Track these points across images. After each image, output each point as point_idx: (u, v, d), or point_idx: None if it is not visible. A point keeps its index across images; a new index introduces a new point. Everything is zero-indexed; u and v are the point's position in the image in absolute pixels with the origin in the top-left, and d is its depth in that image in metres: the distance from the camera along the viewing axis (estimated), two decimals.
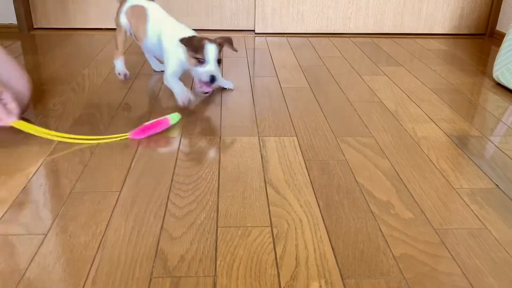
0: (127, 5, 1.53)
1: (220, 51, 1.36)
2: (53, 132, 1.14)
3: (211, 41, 1.34)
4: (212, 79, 1.32)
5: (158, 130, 1.19)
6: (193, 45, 1.32)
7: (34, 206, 0.90)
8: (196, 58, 1.32)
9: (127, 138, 1.17)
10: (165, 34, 1.43)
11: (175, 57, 1.40)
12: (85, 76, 1.63)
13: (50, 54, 1.88)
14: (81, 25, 2.24)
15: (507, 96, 1.52)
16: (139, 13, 1.50)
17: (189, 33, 1.40)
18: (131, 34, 1.55)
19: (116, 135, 1.17)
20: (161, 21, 1.46)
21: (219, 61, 1.35)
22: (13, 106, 1.09)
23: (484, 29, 2.33)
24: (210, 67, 1.32)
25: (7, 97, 1.08)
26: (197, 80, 1.38)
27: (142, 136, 1.17)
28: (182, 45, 1.34)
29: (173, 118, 1.23)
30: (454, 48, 2.11)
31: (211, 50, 1.32)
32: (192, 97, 1.37)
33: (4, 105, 1.08)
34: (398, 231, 0.85)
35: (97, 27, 2.25)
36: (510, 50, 1.57)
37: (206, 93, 1.39)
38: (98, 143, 1.15)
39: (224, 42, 1.39)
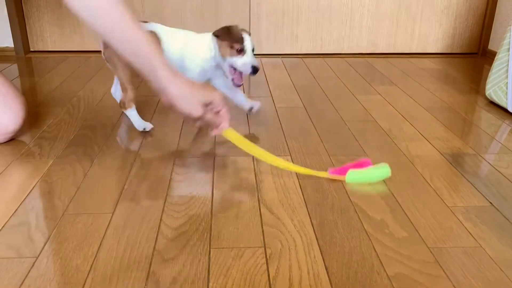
0: None
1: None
2: (258, 150, 1.09)
3: (246, 31, 1.32)
4: (255, 69, 1.30)
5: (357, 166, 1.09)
6: (232, 35, 1.28)
7: (25, 229, 0.89)
8: (235, 49, 1.28)
9: (327, 175, 1.09)
10: (187, 46, 1.34)
11: (198, 65, 1.33)
12: (80, 98, 1.64)
13: (46, 77, 1.89)
14: (78, 47, 2.26)
15: (500, 114, 1.53)
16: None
17: (205, 36, 1.34)
18: None
19: (317, 171, 1.10)
20: (175, 37, 1.36)
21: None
22: (224, 112, 1.00)
23: (476, 48, 2.36)
24: (251, 57, 1.30)
25: (218, 104, 0.98)
26: (230, 72, 1.33)
27: (341, 175, 1.08)
28: (217, 37, 1.30)
29: (382, 172, 1.09)
30: (447, 67, 2.13)
31: (249, 40, 1.30)
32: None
33: (216, 112, 0.99)
34: (392, 250, 0.84)
35: (93, 49, 2.27)
36: (501, 69, 1.58)
37: (239, 85, 1.36)
38: (297, 171, 1.10)
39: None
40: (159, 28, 1.36)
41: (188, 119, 0.96)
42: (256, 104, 1.44)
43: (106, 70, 1.99)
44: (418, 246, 0.85)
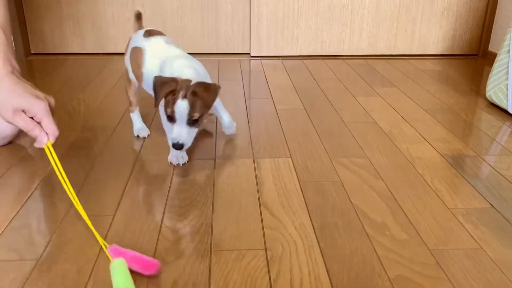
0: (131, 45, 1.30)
1: (195, 107, 1.03)
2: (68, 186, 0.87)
3: (186, 90, 1.02)
4: (175, 146, 1.04)
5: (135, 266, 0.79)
6: (159, 92, 1.03)
7: (27, 231, 0.89)
8: (166, 113, 1.05)
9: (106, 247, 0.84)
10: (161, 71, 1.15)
11: None
12: (80, 101, 1.64)
13: (46, 79, 1.89)
14: (78, 50, 2.27)
15: (501, 115, 1.53)
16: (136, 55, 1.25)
17: (188, 71, 1.09)
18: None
19: (101, 238, 0.86)
20: (154, 58, 1.20)
21: (194, 122, 1.05)
22: (46, 124, 0.87)
23: (476, 50, 2.36)
24: (178, 129, 1.04)
25: (36, 114, 0.86)
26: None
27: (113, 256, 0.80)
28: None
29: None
30: (447, 68, 2.13)
31: (182, 107, 1.02)
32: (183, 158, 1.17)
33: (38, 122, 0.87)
34: (393, 252, 0.84)
35: (93, 52, 2.27)
36: (501, 71, 1.58)
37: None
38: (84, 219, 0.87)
39: (203, 91, 1.03)
40: (150, 45, 1.22)
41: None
42: (230, 130, 1.30)
43: (106, 72, 1.99)
44: (419, 248, 0.85)
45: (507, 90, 1.54)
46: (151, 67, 1.18)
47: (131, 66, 1.28)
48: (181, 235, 0.89)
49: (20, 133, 1.28)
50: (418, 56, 2.34)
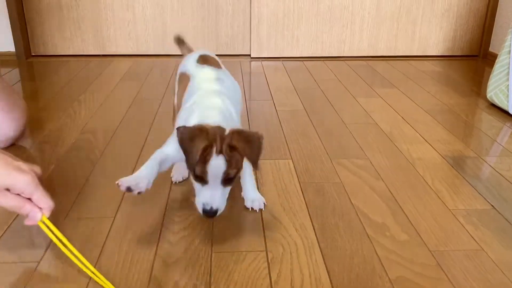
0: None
1: (232, 164, 0.80)
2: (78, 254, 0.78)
3: (221, 143, 0.79)
4: (206, 213, 0.81)
5: None
6: (191, 151, 0.78)
7: (27, 233, 0.89)
8: (192, 171, 0.82)
9: None
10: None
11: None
12: (81, 102, 1.64)
13: (47, 81, 1.89)
14: (78, 52, 2.27)
15: (501, 116, 1.53)
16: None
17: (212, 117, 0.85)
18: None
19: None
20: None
21: (229, 180, 0.82)
22: (38, 198, 0.75)
23: (477, 51, 2.35)
24: (210, 192, 0.81)
25: (23, 190, 0.74)
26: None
27: None
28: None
29: None
30: (448, 69, 2.13)
31: (217, 166, 0.79)
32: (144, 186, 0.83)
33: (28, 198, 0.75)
34: (394, 253, 0.84)
35: (93, 53, 2.28)
36: (502, 72, 1.58)
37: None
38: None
39: (243, 144, 0.80)
40: (199, 74, 1.04)
41: None
42: (257, 204, 0.98)
43: (107, 74, 1.99)
44: (420, 249, 0.85)
45: (507, 91, 1.54)
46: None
47: (177, 92, 1.10)
48: (181, 236, 0.89)
49: (22, 136, 1.28)
50: (418, 57, 2.34)
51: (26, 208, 0.74)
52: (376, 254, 0.84)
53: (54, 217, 0.94)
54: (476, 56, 2.36)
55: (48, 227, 0.76)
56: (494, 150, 1.28)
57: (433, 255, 0.84)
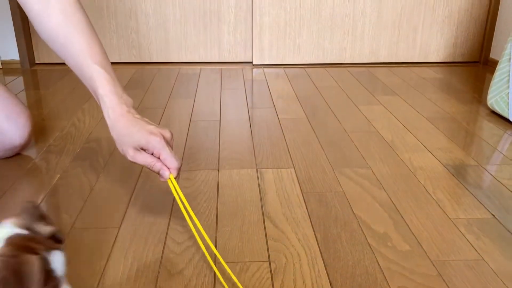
0: None
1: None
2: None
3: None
4: None
5: None
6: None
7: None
8: None
9: None
10: None
11: None
12: (85, 111, 1.65)
13: (51, 89, 1.91)
14: None
15: (502, 124, 1.54)
16: None
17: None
18: None
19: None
20: None
21: None
22: (165, 157, 0.87)
23: (478, 57, 2.37)
24: None
25: (154, 149, 0.87)
26: None
27: None
28: None
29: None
30: (449, 76, 2.14)
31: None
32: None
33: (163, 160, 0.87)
34: (396, 263, 0.85)
35: None
36: (502, 79, 1.59)
37: None
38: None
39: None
40: None
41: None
42: None
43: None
44: (421, 260, 0.86)
45: (508, 98, 1.55)
46: None
47: None
48: (186, 247, 0.90)
49: (28, 144, 1.30)
50: (419, 63, 2.36)
51: (157, 165, 0.87)
52: (378, 264, 0.85)
53: (61, 227, 0.95)
54: (477, 62, 2.37)
55: (174, 185, 0.87)
56: (494, 158, 1.29)
57: (434, 265, 0.85)
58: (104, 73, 0.93)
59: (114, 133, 0.89)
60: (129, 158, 0.87)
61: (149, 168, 0.88)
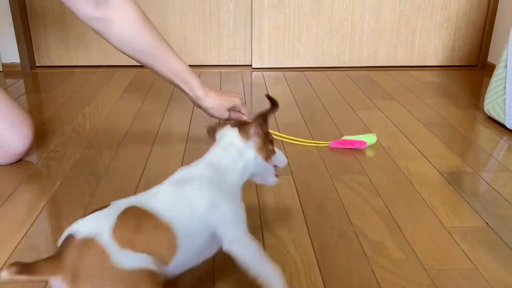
0: None
1: None
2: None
3: None
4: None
5: (354, 146, 1.39)
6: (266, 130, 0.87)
7: (36, 252, 0.92)
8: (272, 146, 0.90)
9: (327, 145, 1.41)
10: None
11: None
12: (85, 115, 1.67)
13: (52, 93, 1.92)
14: (82, 62, 2.30)
15: (498, 130, 1.56)
16: None
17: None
18: None
19: (318, 142, 1.43)
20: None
21: None
22: (244, 110, 1.34)
23: (476, 61, 2.38)
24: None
25: (239, 106, 1.32)
26: (270, 173, 0.90)
27: (340, 146, 1.39)
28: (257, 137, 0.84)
29: (370, 139, 1.41)
30: (447, 80, 2.15)
31: None
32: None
33: (238, 111, 1.33)
34: (391, 272, 0.87)
35: (97, 64, 2.31)
36: (499, 85, 1.61)
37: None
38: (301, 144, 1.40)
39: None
40: None
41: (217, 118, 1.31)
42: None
43: (111, 85, 2.03)
44: (416, 269, 0.88)
45: (504, 104, 1.57)
46: None
47: None
48: None
49: (30, 151, 1.31)
50: (418, 67, 2.37)
51: (240, 117, 1.31)
52: (374, 274, 0.86)
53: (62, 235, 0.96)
54: (475, 66, 2.39)
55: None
56: (490, 165, 1.30)
57: (428, 275, 0.86)
58: (187, 66, 1.26)
59: (206, 104, 1.27)
60: (225, 117, 1.28)
61: (235, 120, 1.26)
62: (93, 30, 1.18)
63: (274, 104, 0.91)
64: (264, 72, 2.27)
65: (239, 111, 1.32)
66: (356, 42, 2.31)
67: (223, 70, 2.30)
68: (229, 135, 0.85)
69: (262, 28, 2.26)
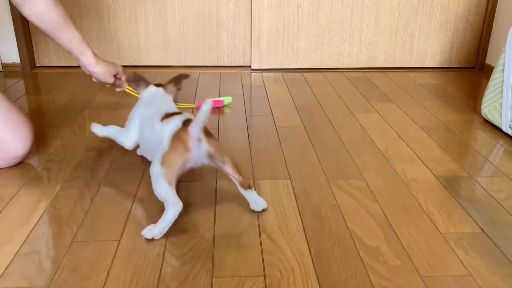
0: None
1: None
2: None
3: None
4: None
5: (215, 106, 1.78)
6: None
7: (36, 257, 0.93)
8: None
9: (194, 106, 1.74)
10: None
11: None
12: (85, 117, 1.68)
13: (52, 94, 1.93)
14: None
15: (495, 133, 1.57)
16: None
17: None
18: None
19: (186, 104, 1.76)
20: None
21: None
22: (124, 77, 1.53)
23: (474, 63, 2.39)
24: None
25: (122, 74, 1.52)
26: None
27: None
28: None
29: (227, 100, 1.81)
30: (445, 82, 2.17)
31: None
32: None
33: (119, 78, 1.53)
34: (386, 279, 0.88)
35: None
36: (496, 89, 1.62)
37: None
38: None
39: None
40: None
41: (101, 83, 1.50)
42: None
43: (109, 88, 2.03)
44: (411, 275, 0.89)
45: (501, 108, 1.58)
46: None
47: None
48: (183, 261, 0.93)
49: (29, 154, 1.32)
50: (416, 69, 2.38)
51: (121, 83, 1.54)
52: (370, 280, 0.88)
53: (63, 240, 0.98)
54: (473, 68, 2.40)
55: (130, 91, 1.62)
56: (486, 170, 1.32)
57: (423, 281, 0.88)
58: (83, 39, 1.45)
59: (96, 69, 1.45)
60: (110, 81, 1.49)
61: (115, 86, 1.53)
62: (13, 3, 1.29)
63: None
64: (263, 73, 2.28)
65: (120, 78, 1.53)
66: (355, 44, 2.32)
67: (222, 71, 2.31)
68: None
69: (261, 29, 2.26)
